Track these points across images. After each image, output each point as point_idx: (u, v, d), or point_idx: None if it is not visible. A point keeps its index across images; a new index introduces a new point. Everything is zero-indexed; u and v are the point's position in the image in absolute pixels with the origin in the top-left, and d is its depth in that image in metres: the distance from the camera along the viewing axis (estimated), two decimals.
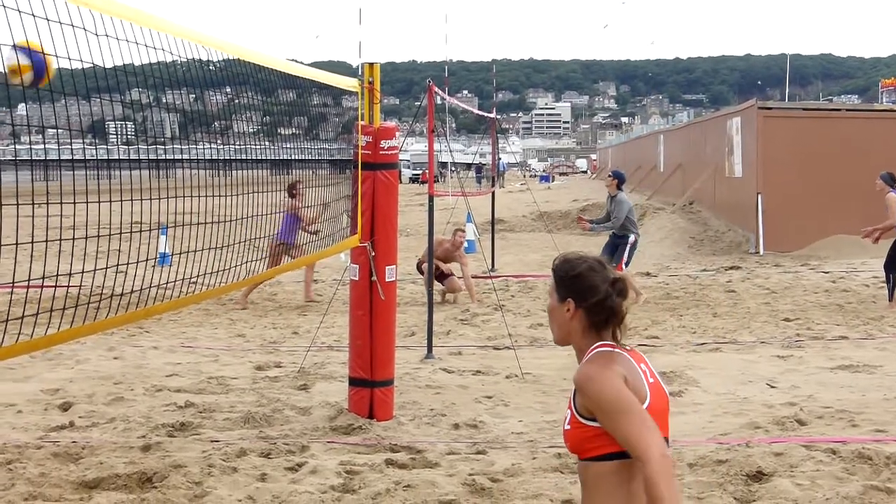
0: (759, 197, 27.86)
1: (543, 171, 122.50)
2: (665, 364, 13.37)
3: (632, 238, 18.69)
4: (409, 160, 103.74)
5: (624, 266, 18.53)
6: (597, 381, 4.10)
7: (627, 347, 4.33)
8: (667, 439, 4.15)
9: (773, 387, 12.15)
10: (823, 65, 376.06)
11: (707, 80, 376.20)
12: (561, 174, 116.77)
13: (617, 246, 18.74)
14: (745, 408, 11.09)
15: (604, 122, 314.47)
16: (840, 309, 17.88)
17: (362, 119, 10.47)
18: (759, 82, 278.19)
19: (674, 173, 43.99)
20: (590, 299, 4.30)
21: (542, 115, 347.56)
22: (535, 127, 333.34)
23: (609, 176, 19.62)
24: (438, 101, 16.07)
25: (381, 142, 10.44)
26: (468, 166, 74.36)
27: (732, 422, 10.51)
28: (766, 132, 28.52)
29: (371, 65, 10.55)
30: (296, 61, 10.90)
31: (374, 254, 10.39)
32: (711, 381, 12.45)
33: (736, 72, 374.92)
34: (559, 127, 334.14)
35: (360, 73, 10.74)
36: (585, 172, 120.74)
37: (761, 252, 27.27)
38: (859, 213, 25.89)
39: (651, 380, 4.24)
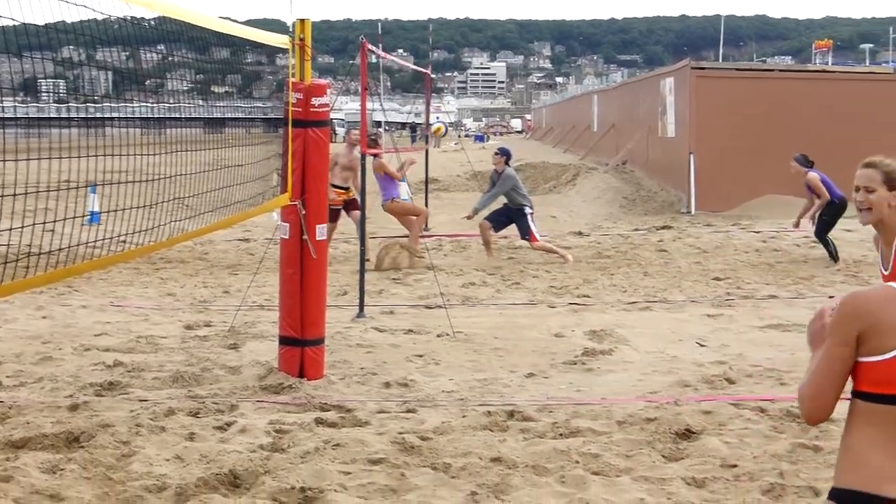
0: (692, 157, 27.98)
1: (478, 130, 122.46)
2: (596, 323, 13.44)
3: (528, 210, 18.86)
4: (343, 119, 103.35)
5: (537, 237, 18.74)
6: None
7: None
8: None
9: (702, 345, 12.23)
10: (758, 26, 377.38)
11: (642, 40, 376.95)
12: (496, 134, 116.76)
13: (511, 217, 18.89)
14: (675, 366, 11.15)
15: (539, 81, 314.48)
16: (770, 268, 18.01)
17: (293, 76, 10.39)
18: (693, 43, 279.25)
19: (607, 133, 44.13)
20: None
21: (478, 74, 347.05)
22: (471, 86, 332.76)
23: (496, 153, 19.66)
24: (374, 60, 16.00)
25: (312, 99, 10.36)
26: (403, 125, 74.22)
27: (662, 380, 10.56)
28: (698, 92, 28.63)
29: (302, 21, 10.45)
30: (229, 19, 10.78)
31: (304, 212, 10.34)
32: (642, 339, 12.51)
33: (671, 32, 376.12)
34: (494, 87, 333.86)
35: (291, 29, 10.65)
36: (521, 132, 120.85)
37: (693, 212, 27.42)
38: (791, 174, 26.06)
39: None
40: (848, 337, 3.90)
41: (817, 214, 18.35)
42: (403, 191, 19.24)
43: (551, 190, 34.92)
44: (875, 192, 5.87)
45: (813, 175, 18.35)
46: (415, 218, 19.22)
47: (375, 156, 18.77)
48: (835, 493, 3.99)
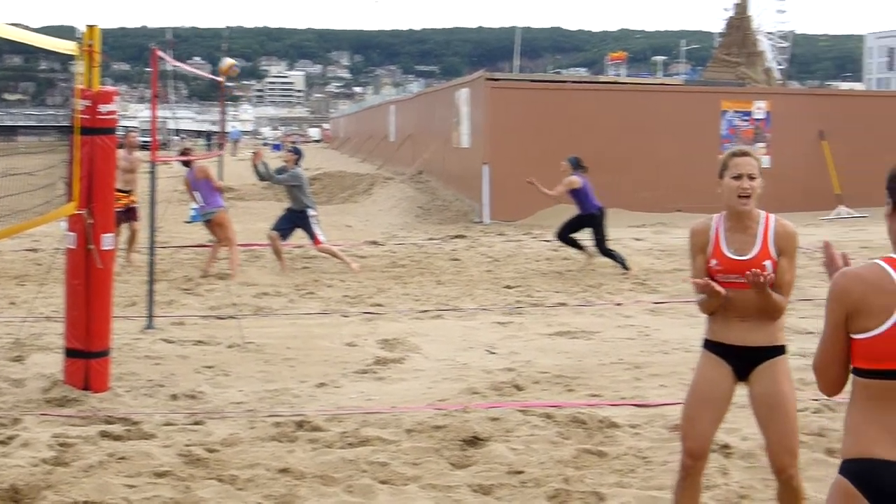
0: (486, 167, 28.27)
1: (276, 139, 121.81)
2: (388, 331, 13.49)
3: (311, 212, 18.84)
4: (137, 127, 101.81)
5: (322, 240, 18.73)
6: None
7: None
8: None
9: (492, 353, 12.36)
10: (554, 38, 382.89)
11: (440, 51, 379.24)
12: (294, 143, 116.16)
13: (296, 222, 18.83)
14: (465, 373, 11.25)
15: (337, 91, 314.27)
16: (560, 276, 18.31)
17: (82, 83, 10.19)
18: (491, 55, 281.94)
19: (404, 143, 44.30)
20: None
21: (276, 83, 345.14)
22: (269, 95, 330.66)
23: (289, 151, 19.69)
24: (170, 68, 15.80)
25: (100, 106, 10.19)
26: (198, 133, 73.49)
27: (451, 387, 10.65)
28: (493, 103, 28.95)
29: (91, 27, 10.26)
30: (21, 25, 10.52)
31: (91, 221, 10.14)
32: (433, 347, 12.60)
33: (469, 43, 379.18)
34: (292, 95, 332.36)
35: (79, 36, 10.45)
36: (318, 141, 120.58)
37: (487, 221, 27.71)
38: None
39: None
40: (837, 316, 4.10)
41: (572, 218, 18.79)
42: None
43: (347, 199, 34.94)
44: (756, 180, 6.12)
45: (572, 179, 18.62)
46: (234, 234, 18.81)
47: (188, 164, 18.54)
48: (842, 466, 4.14)
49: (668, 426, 9.02)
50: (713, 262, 6.13)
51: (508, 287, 17.19)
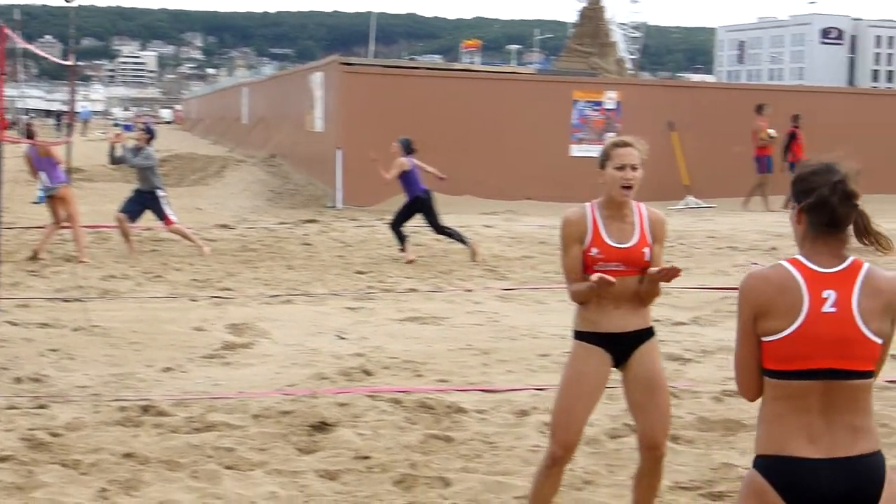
0: (339, 152, 28.18)
1: (126, 120, 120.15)
2: (237, 316, 13.41)
3: (161, 193, 18.67)
4: None
5: (173, 220, 18.57)
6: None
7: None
8: (829, 370, 4.14)
9: (342, 338, 12.34)
10: (409, 24, 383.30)
11: (294, 34, 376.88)
12: (145, 123, 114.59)
13: (145, 203, 18.67)
14: (314, 359, 11.22)
15: (190, 72, 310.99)
16: (412, 262, 18.30)
17: None
18: (346, 39, 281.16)
19: (257, 126, 44.00)
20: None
21: (128, 63, 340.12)
22: (120, 75, 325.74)
23: (141, 130, 19.53)
24: (19, 46, 15.49)
25: None
26: (48, 113, 72.21)
27: (300, 373, 10.61)
28: (346, 88, 28.88)
29: None
30: None
31: None
32: (282, 332, 12.54)
33: (324, 28, 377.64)
34: (144, 76, 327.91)
35: None
36: (169, 123, 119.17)
37: (339, 206, 27.64)
38: (437, 169, 26.56)
39: (832, 308, 4.14)
40: (746, 317, 4.21)
41: (402, 207, 18.79)
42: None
43: (198, 182, 34.52)
44: (638, 170, 6.19)
45: (402, 160, 18.61)
46: (78, 213, 18.50)
47: (33, 144, 18.24)
48: (755, 461, 4.25)
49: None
50: (594, 250, 6.16)
51: (360, 272, 17.18)
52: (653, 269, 6.11)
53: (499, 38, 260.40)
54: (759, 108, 28.55)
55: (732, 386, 10.11)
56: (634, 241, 6.20)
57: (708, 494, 7.37)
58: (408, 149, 18.75)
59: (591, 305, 6.21)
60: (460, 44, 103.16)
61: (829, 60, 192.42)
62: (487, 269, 17.64)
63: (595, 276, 6.01)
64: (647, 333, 6.28)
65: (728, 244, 21.15)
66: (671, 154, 29.69)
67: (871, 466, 4.16)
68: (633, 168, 6.18)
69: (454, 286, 16.15)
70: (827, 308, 4.12)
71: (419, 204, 18.47)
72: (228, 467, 7.64)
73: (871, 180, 4.59)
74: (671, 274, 6.03)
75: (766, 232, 22.92)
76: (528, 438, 8.46)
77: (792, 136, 28.34)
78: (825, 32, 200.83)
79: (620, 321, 6.19)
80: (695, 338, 12.32)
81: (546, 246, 20.45)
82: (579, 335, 6.27)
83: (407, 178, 18.56)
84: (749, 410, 9.35)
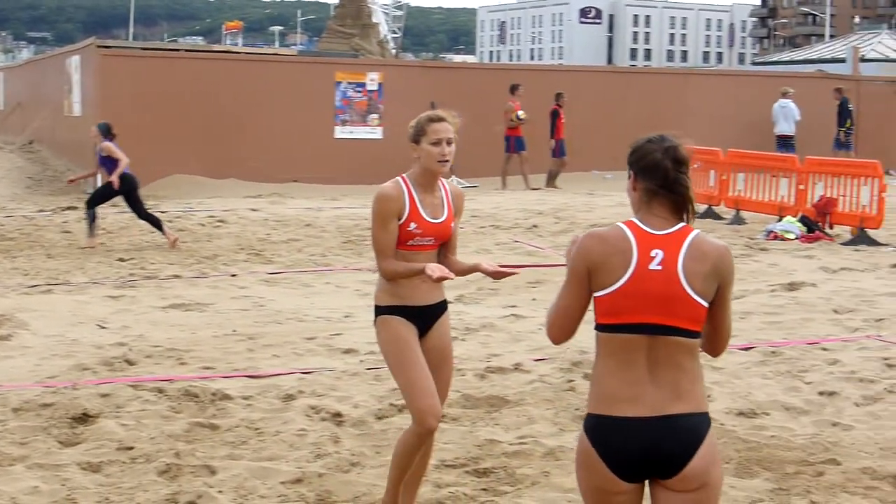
0: None
1: None
2: None
3: None
4: None
5: None
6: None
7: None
8: (653, 325, 4.41)
9: (103, 328, 12.13)
10: (170, 6, 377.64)
11: (53, 17, 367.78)
12: None
13: None
14: (75, 349, 11.01)
15: None
16: (174, 248, 18.05)
17: None
18: (107, 22, 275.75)
19: (14, 111, 42.90)
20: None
21: None
22: None
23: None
24: None
25: None
26: None
27: (61, 364, 10.40)
28: (105, 71, 28.26)
29: None
30: None
31: None
32: (42, 323, 12.26)
33: (83, 10, 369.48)
34: None
35: None
36: None
37: None
38: (200, 153, 26.45)
39: (658, 266, 4.41)
40: (579, 271, 4.48)
41: (101, 187, 18.72)
42: None
43: None
44: (452, 144, 6.27)
45: (108, 144, 18.43)
46: None
47: None
48: (585, 421, 4.51)
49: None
50: (412, 225, 6.24)
51: (122, 259, 16.87)
52: (487, 267, 6.31)
53: (262, 19, 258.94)
54: (513, 89, 29.02)
55: (496, 363, 10.34)
56: (445, 216, 6.36)
57: (473, 471, 7.49)
58: (107, 133, 18.49)
59: (402, 280, 6.30)
60: (222, 25, 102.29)
61: (589, 40, 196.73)
62: (253, 254, 17.53)
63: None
64: (444, 305, 6.49)
65: (491, 223, 21.45)
66: None
67: (689, 426, 4.43)
68: (449, 142, 6.26)
69: (219, 271, 16.01)
70: (654, 266, 4.43)
71: (122, 189, 18.16)
72: None
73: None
74: (506, 275, 6.30)
75: (527, 210, 23.34)
76: (294, 423, 8.48)
77: (555, 114, 28.92)
78: (584, 12, 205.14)
79: (427, 294, 6.36)
80: (459, 316, 12.46)
81: (312, 228, 20.45)
82: (389, 310, 6.35)
83: (110, 163, 18.29)
84: (512, 387, 9.57)
